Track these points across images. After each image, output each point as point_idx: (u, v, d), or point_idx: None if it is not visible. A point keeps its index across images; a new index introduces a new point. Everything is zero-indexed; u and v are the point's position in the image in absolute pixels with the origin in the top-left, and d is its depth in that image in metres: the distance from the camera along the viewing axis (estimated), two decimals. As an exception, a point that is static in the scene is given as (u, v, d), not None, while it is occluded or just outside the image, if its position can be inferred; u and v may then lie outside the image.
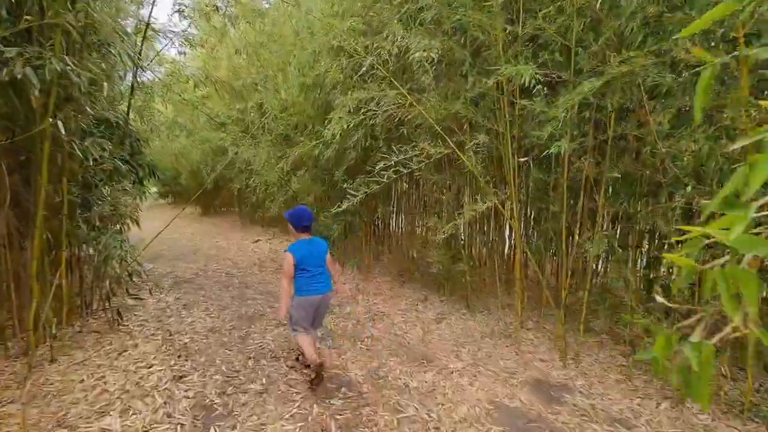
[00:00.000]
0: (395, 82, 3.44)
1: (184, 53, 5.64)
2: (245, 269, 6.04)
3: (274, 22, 6.10)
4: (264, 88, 6.83)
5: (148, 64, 4.72)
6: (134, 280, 4.00)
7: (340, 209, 3.53)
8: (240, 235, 9.22)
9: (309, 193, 6.35)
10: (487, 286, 4.71)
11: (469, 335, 3.61)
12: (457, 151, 3.33)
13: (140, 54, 4.16)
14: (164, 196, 17.60)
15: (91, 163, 3.07)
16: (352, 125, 3.65)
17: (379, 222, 6.48)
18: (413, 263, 5.47)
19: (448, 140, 3.35)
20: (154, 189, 20.44)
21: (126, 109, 4.27)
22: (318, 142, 4.65)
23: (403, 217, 6.31)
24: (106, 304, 3.55)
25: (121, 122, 4.11)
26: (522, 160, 3.52)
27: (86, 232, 3.36)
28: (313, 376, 2.54)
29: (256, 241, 8.28)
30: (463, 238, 4.65)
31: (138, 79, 4.32)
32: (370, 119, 3.63)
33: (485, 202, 3.18)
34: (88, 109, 2.98)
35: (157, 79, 5.25)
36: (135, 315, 3.79)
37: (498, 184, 3.93)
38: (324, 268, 2.59)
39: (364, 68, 3.49)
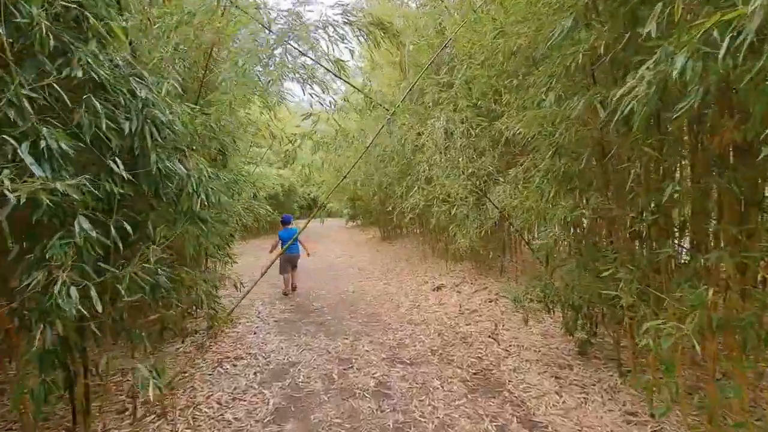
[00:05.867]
0: None
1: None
2: (414, 364, 3.14)
3: None
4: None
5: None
6: None
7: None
8: (417, 274, 6.56)
9: (545, 213, 2.94)
10: None
11: None
12: None
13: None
14: (353, 218, 17.25)
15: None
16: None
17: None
18: None
19: None
20: (345, 210, 20.88)
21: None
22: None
23: None
24: None
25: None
26: None
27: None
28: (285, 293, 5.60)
29: (437, 289, 5.37)
30: None
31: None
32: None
33: None
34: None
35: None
36: None
37: None
38: (295, 242, 5.38)
39: None
